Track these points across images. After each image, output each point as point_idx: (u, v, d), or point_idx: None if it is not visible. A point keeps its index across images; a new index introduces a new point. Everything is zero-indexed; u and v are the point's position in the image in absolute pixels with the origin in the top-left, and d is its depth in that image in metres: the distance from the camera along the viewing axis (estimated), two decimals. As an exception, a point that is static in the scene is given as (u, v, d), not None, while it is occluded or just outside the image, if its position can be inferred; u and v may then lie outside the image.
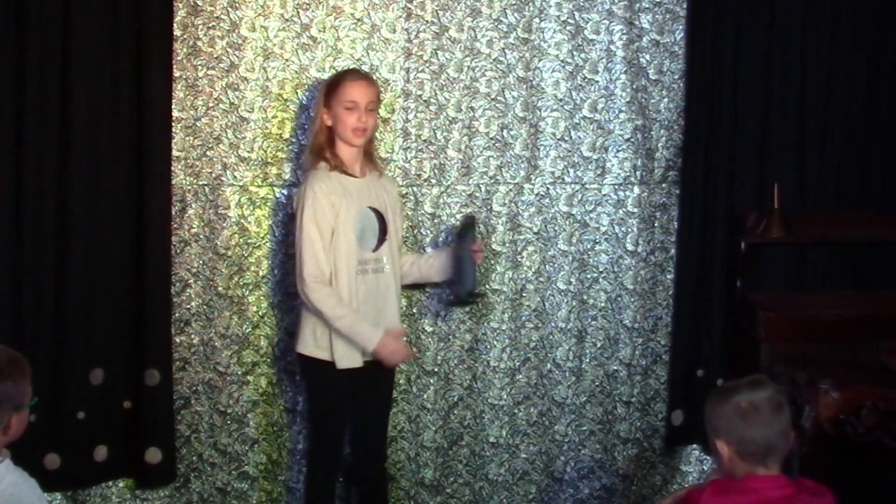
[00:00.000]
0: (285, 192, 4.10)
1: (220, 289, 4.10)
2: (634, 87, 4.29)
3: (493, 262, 4.27)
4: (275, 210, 4.10)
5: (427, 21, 4.16)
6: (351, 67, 3.94)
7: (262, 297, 4.13)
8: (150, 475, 4.02)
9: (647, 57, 4.30)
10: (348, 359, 3.72)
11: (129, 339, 3.97)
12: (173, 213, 4.02)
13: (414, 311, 4.22)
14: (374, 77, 3.94)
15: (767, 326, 4.09)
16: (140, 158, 3.92)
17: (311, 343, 3.76)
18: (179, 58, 3.99)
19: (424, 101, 4.18)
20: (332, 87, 3.77)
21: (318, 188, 3.70)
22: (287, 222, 4.09)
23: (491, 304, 4.29)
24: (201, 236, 4.09)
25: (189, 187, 4.06)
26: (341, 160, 3.77)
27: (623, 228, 4.34)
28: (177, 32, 3.98)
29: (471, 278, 3.88)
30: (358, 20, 4.11)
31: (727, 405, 2.66)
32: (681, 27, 4.31)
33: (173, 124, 4.00)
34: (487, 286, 4.26)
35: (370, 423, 3.90)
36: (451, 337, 4.27)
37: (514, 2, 4.20)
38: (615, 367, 4.37)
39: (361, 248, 3.74)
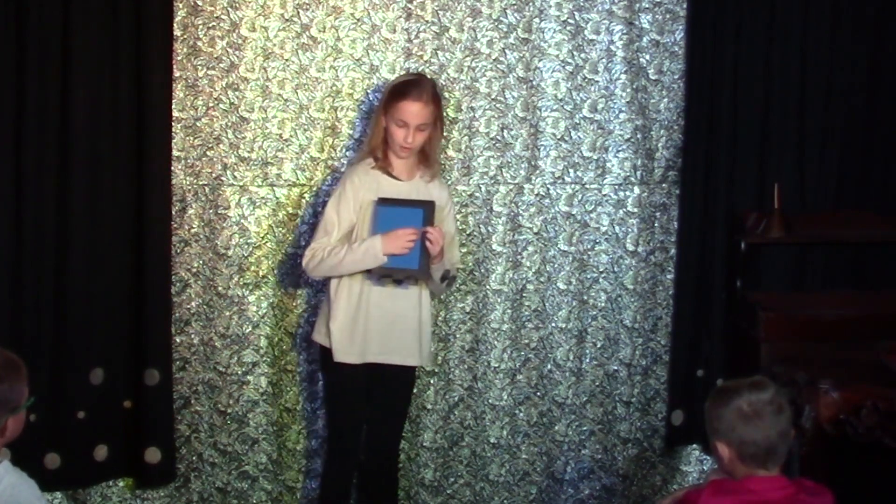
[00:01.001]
0: (285, 192, 4.10)
1: (220, 289, 4.10)
2: (634, 87, 4.29)
3: (493, 262, 4.27)
4: (275, 210, 4.10)
5: (427, 21, 4.16)
6: (413, 79, 3.81)
7: (262, 297, 4.13)
8: (150, 475, 4.02)
9: (647, 57, 4.30)
10: (343, 353, 3.73)
11: (129, 339, 3.97)
12: (173, 213, 4.02)
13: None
14: (438, 87, 3.85)
15: (767, 326, 4.09)
16: (140, 158, 3.92)
17: (323, 331, 3.79)
18: (179, 58, 3.99)
19: (424, 101, 4.18)
20: (392, 97, 3.74)
21: (351, 181, 3.76)
22: (287, 222, 4.10)
23: (491, 304, 4.29)
24: (201, 236, 4.09)
25: (189, 187, 4.06)
26: (389, 162, 3.78)
27: (623, 228, 4.34)
28: (177, 32, 3.98)
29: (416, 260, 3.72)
30: (358, 20, 4.11)
31: (728, 407, 2.66)
32: (681, 27, 4.30)
33: (173, 124, 4.00)
34: (487, 286, 4.27)
35: (381, 420, 3.88)
36: (451, 337, 4.26)
37: (514, 2, 4.20)
38: (615, 368, 4.37)
39: None
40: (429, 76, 3.94)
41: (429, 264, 3.69)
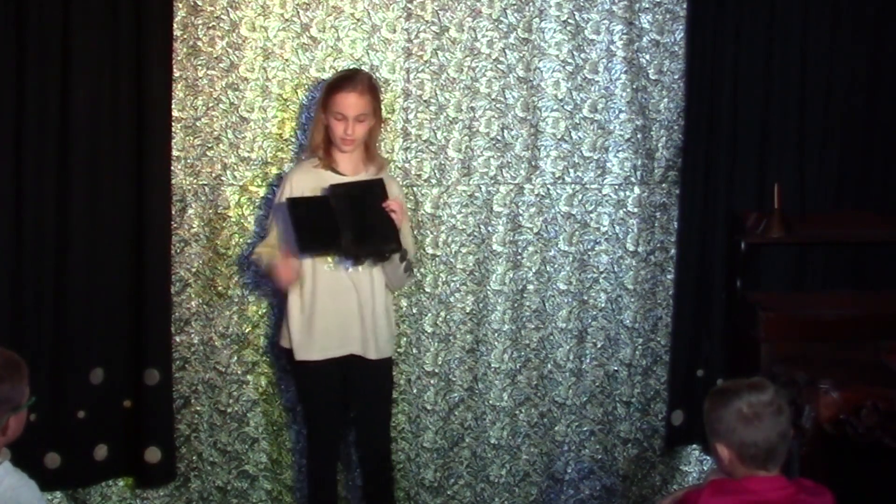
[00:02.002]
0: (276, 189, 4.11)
1: (220, 289, 4.10)
2: (634, 87, 4.29)
3: (493, 262, 4.27)
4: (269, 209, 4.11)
5: (427, 21, 4.16)
6: (347, 73, 3.84)
7: (262, 297, 4.14)
8: (150, 474, 4.02)
9: (647, 57, 4.30)
10: (303, 351, 3.75)
11: (129, 338, 3.97)
12: (173, 213, 4.02)
13: (414, 311, 4.22)
14: (373, 80, 3.87)
15: (767, 326, 4.09)
16: (140, 158, 3.93)
17: (285, 334, 3.81)
18: (179, 58, 4.00)
19: (424, 101, 4.18)
20: (327, 92, 3.77)
21: (289, 182, 3.80)
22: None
23: (491, 304, 4.29)
24: (201, 236, 4.09)
25: (189, 187, 4.06)
26: (333, 159, 3.80)
27: (623, 228, 4.34)
28: (177, 32, 3.98)
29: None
30: (358, 20, 4.11)
31: (728, 409, 2.65)
32: (681, 27, 4.30)
33: (173, 124, 4.00)
34: (487, 287, 4.26)
35: (366, 416, 3.89)
36: (451, 338, 4.26)
37: (514, 2, 4.20)
38: (615, 368, 4.37)
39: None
40: (364, 70, 3.94)
41: (399, 237, 3.71)
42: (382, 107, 3.91)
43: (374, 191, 3.71)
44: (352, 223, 3.67)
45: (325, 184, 3.75)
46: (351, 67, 3.99)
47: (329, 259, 3.74)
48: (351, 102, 3.72)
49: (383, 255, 3.73)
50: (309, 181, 3.77)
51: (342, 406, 3.89)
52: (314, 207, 3.68)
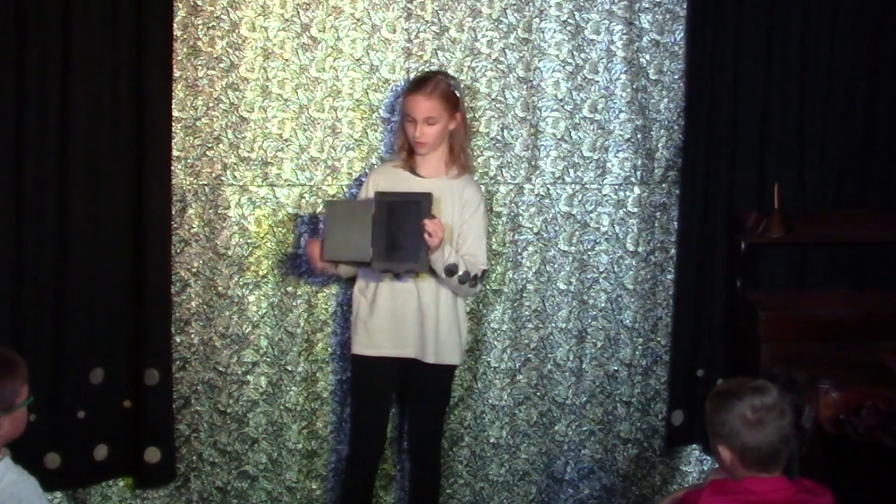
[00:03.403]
0: (285, 192, 4.10)
1: (220, 289, 4.10)
2: (634, 87, 4.29)
3: (493, 262, 4.27)
4: (275, 210, 4.11)
5: (427, 21, 4.16)
6: (422, 76, 3.86)
7: (262, 297, 4.14)
8: (150, 474, 4.02)
9: (647, 57, 4.30)
10: (358, 345, 3.85)
11: (129, 338, 3.97)
12: (173, 213, 4.02)
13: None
14: (448, 83, 3.82)
15: (767, 326, 4.09)
16: (140, 158, 3.93)
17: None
18: (179, 58, 4.00)
19: (425, 101, 4.18)
20: (404, 95, 3.84)
21: (369, 180, 3.88)
22: (287, 222, 4.11)
23: (491, 304, 4.29)
24: (201, 236, 4.09)
25: (189, 187, 4.06)
26: (415, 161, 3.84)
27: (623, 228, 4.34)
28: (177, 32, 3.98)
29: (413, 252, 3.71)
30: (358, 20, 4.11)
31: (732, 413, 2.64)
32: (681, 27, 4.30)
33: (173, 124, 4.00)
34: (487, 286, 4.26)
35: (416, 417, 3.96)
36: (451, 337, 4.26)
37: (514, 2, 4.20)
38: (615, 368, 4.37)
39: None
40: (443, 73, 3.94)
41: (427, 257, 3.68)
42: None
43: (418, 206, 3.68)
44: (384, 236, 3.67)
45: (402, 183, 3.79)
46: (430, 70, 4.01)
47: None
48: (418, 105, 3.74)
49: (398, 276, 3.75)
50: (388, 180, 3.81)
51: (388, 410, 3.93)
52: (354, 213, 3.71)
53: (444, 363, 3.84)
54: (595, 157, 4.31)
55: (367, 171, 4.11)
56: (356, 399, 3.94)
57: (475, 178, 4.02)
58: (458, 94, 3.85)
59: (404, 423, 4.19)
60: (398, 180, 3.81)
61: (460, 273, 3.72)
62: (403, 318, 3.78)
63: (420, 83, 3.80)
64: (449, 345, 3.83)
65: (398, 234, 3.68)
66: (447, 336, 3.81)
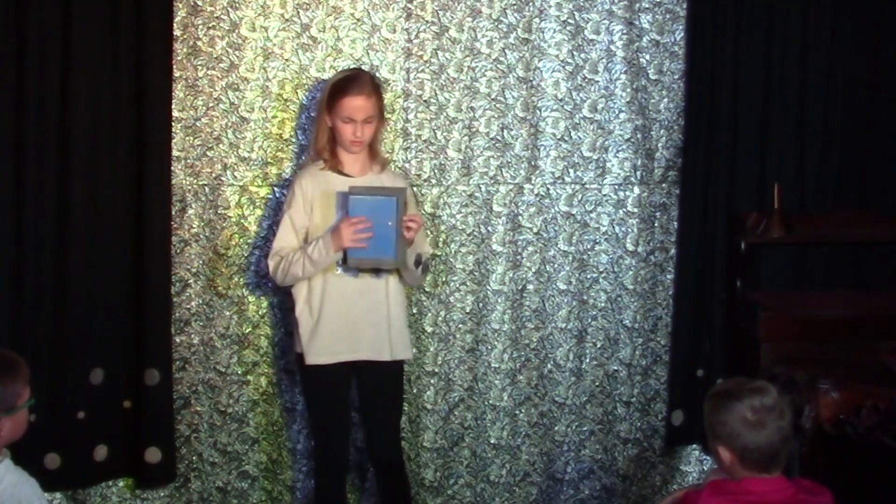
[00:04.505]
0: (285, 192, 4.10)
1: (220, 289, 4.10)
2: (634, 87, 4.29)
3: (493, 262, 4.27)
4: (275, 210, 4.10)
5: (427, 21, 4.16)
6: (351, 75, 3.79)
7: (262, 297, 4.14)
8: (150, 475, 4.02)
9: (647, 57, 4.30)
10: (313, 355, 3.71)
11: (129, 339, 3.97)
12: (173, 213, 4.02)
13: (414, 311, 4.22)
14: (376, 79, 3.84)
15: (767, 326, 4.09)
16: (140, 158, 3.93)
17: (296, 340, 3.78)
18: (179, 58, 4.00)
19: (424, 101, 4.18)
20: (332, 95, 3.73)
21: (299, 185, 3.75)
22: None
23: (491, 304, 4.29)
24: (201, 236, 4.09)
25: (189, 187, 4.06)
26: (339, 160, 3.77)
27: (623, 228, 4.34)
28: (177, 32, 3.98)
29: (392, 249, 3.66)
30: (358, 20, 4.11)
31: (732, 414, 2.64)
32: (681, 27, 4.30)
33: (173, 124, 4.00)
34: (487, 286, 4.26)
35: (374, 420, 3.85)
36: (451, 337, 4.26)
37: (514, 2, 4.20)
38: (615, 368, 4.37)
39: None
40: (364, 69, 3.92)
41: (405, 252, 3.66)
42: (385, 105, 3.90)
43: (394, 200, 3.63)
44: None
45: (333, 187, 3.72)
46: (351, 67, 3.96)
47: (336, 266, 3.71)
48: (359, 105, 3.69)
49: (378, 272, 3.70)
50: (319, 184, 3.74)
51: (349, 416, 3.86)
52: (377, 206, 3.61)
53: (398, 359, 3.79)
54: (595, 157, 4.31)
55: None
56: (319, 411, 3.82)
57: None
58: (382, 91, 3.82)
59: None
60: (328, 183, 3.74)
61: (423, 262, 3.72)
62: (356, 320, 3.71)
63: (355, 83, 3.71)
64: (401, 340, 3.78)
65: (375, 229, 3.61)
66: (399, 331, 3.76)
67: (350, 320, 3.71)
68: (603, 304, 4.35)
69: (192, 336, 4.10)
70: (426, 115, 4.19)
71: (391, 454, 3.88)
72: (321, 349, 3.71)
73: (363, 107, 3.69)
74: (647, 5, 4.27)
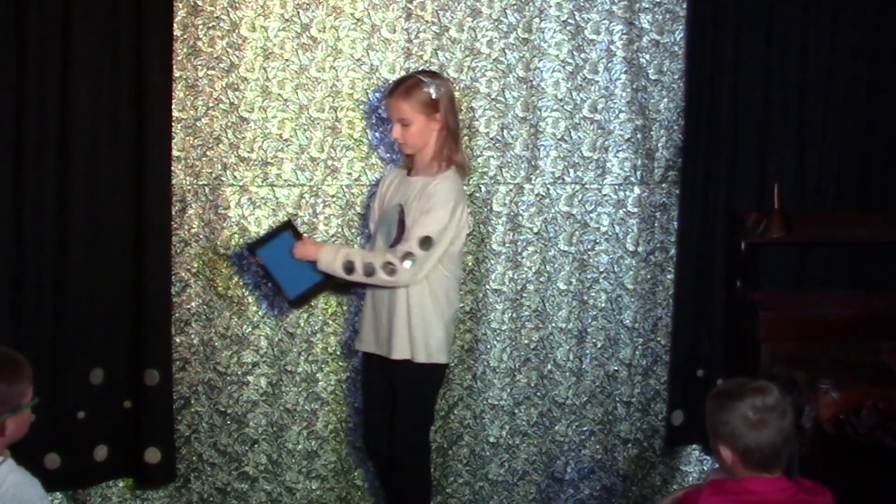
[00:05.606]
0: (285, 192, 4.10)
1: (220, 289, 4.10)
2: (634, 87, 4.29)
3: (493, 262, 4.28)
4: (275, 210, 4.10)
5: (427, 21, 4.16)
6: (400, 77, 3.91)
7: (262, 297, 4.13)
8: (150, 475, 4.02)
9: (647, 57, 4.30)
10: (356, 341, 4.01)
11: (129, 339, 3.97)
12: (173, 213, 4.02)
13: (414, 311, 4.22)
14: (418, 81, 3.78)
15: (767, 326, 4.09)
16: (140, 158, 3.92)
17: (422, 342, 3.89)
18: (179, 58, 4.00)
19: (424, 101, 4.18)
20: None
21: (380, 185, 4.02)
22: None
23: (491, 304, 4.29)
24: (201, 236, 4.09)
25: (189, 187, 4.06)
26: (412, 160, 3.90)
27: (623, 228, 4.34)
28: (177, 32, 3.98)
29: (290, 282, 3.84)
30: (358, 20, 4.11)
31: (733, 414, 2.64)
32: (681, 27, 4.31)
33: (173, 124, 4.00)
34: (487, 286, 4.26)
35: (375, 408, 3.95)
36: (451, 337, 4.26)
37: (514, 2, 4.20)
38: (615, 368, 4.37)
39: (385, 242, 3.82)
40: (420, 72, 3.92)
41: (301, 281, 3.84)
42: (459, 109, 3.97)
43: (285, 236, 3.84)
44: (277, 277, 3.84)
45: (396, 184, 3.90)
46: (415, 70, 4.00)
47: None
48: (390, 106, 3.81)
49: (303, 301, 3.94)
50: (391, 178, 3.95)
51: (385, 405, 3.90)
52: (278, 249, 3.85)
53: (399, 359, 3.77)
54: (595, 157, 4.31)
55: (365, 170, 4.17)
56: (361, 393, 4.06)
57: (470, 178, 4.09)
58: (434, 96, 3.78)
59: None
60: (395, 181, 3.92)
61: (359, 269, 3.73)
62: (376, 314, 3.85)
63: (395, 85, 3.83)
64: (398, 339, 3.76)
65: (291, 264, 3.81)
66: (399, 331, 3.76)
67: (373, 313, 3.87)
68: (603, 305, 4.35)
69: (192, 336, 4.10)
70: (426, 115, 4.18)
71: (388, 450, 3.89)
72: (359, 336, 3.97)
73: (392, 108, 3.80)
74: (647, 5, 4.27)
